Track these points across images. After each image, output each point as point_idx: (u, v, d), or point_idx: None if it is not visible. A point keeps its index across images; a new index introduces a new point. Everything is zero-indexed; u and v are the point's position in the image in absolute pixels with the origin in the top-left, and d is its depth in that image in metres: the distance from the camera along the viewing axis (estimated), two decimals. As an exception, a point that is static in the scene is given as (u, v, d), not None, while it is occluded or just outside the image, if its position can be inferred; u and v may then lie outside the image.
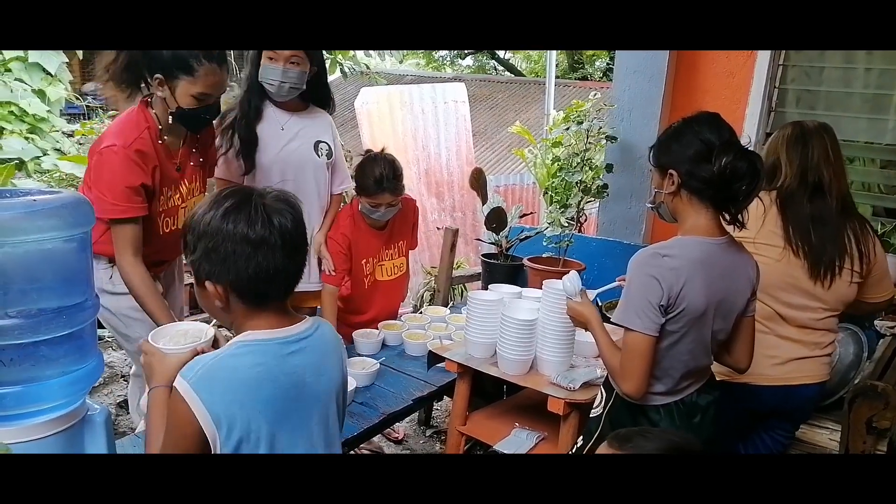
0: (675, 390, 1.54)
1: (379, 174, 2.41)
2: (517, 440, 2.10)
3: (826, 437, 2.09)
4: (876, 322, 2.55)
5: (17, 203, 1.17)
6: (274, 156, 2.38)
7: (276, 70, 2.25)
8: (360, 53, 7.35)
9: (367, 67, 7.68)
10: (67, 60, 4.77)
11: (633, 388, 1.47)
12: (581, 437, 1.72)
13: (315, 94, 2.45)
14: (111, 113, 5.40)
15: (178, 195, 2.01)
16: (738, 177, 1.40)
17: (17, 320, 1.16)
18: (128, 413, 2.38)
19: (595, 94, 3.49)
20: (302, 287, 2.34)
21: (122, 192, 1.80)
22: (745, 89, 3.12)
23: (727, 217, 1.47)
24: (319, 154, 2.48)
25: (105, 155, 1.80)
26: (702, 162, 1.42)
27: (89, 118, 6.46)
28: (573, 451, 1.71)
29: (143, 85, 1.86)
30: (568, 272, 1.77)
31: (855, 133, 2.98)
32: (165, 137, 1.93)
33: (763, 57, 3.05)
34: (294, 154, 2.42)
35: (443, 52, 18.20)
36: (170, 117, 1.86)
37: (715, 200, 1.45)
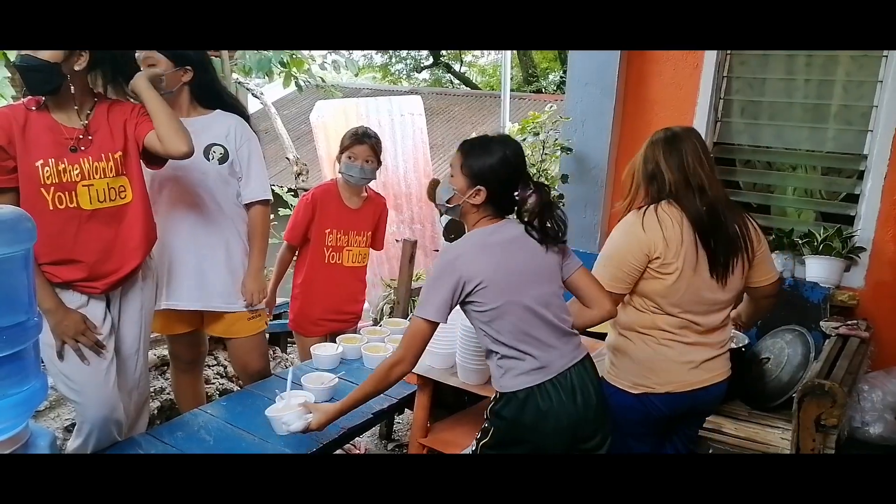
0: (537, 369, 1.61)
1: (358, 129, 2.73)
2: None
3: (778, 436, 2.15)
4: (822, 323, 2.65)
5: (-48, 219, 1.12)
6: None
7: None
8: (315, 67, 7.30)
9: (323, 80, 7.64)
10: (10, 75, 4.60)
11: (408, 364, 1.64)
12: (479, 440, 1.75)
13: (205, 97, 2.27)
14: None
15: (76, 170, 1.85)
16: None
17: (-47, 342, 1.11)
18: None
19: (551, 107, 3.55)
20: (215, 306, 2.34)
21: None
22: (692, 100, 3.21)
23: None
24: (210, 158, 2.25)
25: None
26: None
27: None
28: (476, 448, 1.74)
29: None
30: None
31: (797, 142, 3.10)
32: (51, 111, 1.84)
33: (708, 69, 3.16)
34: (179, 162, 2.06)
35: (399, 66, 18.26)
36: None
37: None
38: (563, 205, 3.42)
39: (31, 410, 1.30)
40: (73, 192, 1.86)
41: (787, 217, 3.25)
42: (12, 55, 4.44)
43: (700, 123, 3.18)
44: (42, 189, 1.83)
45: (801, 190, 3.21)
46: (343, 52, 7.30)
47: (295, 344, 3.69)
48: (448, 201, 1.71)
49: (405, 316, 3.19)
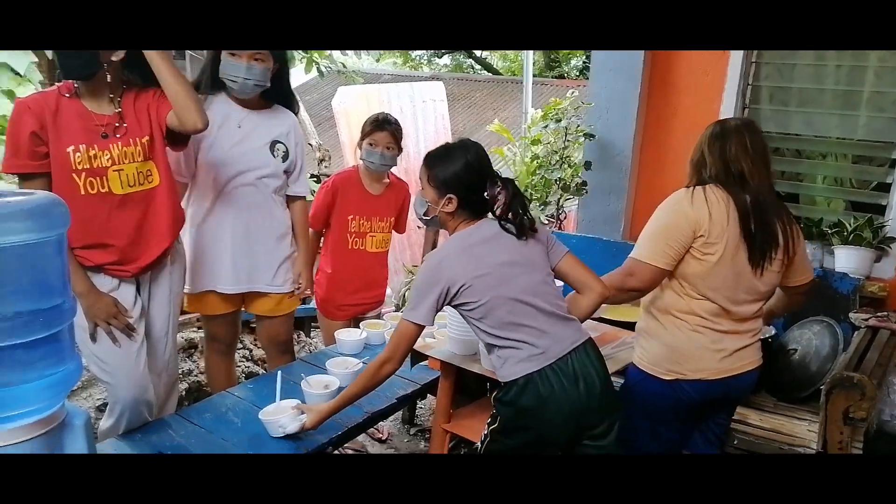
0: (535, 355, 1.63)
1: (378, 116, 2.70)
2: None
3: (804, 428, 2.13)
4: (851, 315, 2.61)
5: (-10, 204, 1.15)
6: (224, 153, 2.25)
7: (239, 66, 2.16)
8: (336, 52, 7.29)
9: (344, 66, 7.63)
10: (37, 60, 4.66)
11: (395, 364, 1.70)
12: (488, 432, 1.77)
13: (277, 92, 2.34)
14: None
15: (107, 156, 1.88)
16: None
17: (-7, 324, 1.14)
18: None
19: (573, 93, 3.51)
20: (260, 287, 2.42)
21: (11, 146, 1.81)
22: (720, 87, 3.16)
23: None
24: (275, 155, 2.35)
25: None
26: None
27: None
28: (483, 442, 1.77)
29: None
30: None
31: (827, 129, 3.04)
32: (82, 97, 1.88)
33: (736, 55, 3.10)
34: (246, 154, 2.28)
35: (419, 51, 18.18)
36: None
37: None
38: (586, 192, 3.40)
39: (67, 390, 1.33)
40: (105, 178, 1.90)
41: (817, 206, 3.19)
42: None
43: (727, 110, 3.14)
44: (73, 174, 1.86)
45: (831, 178, 3.16)
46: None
47: (318, 329, 3.74)
48: (425, 213, 1.78)
49: (427, 302, 3.20)
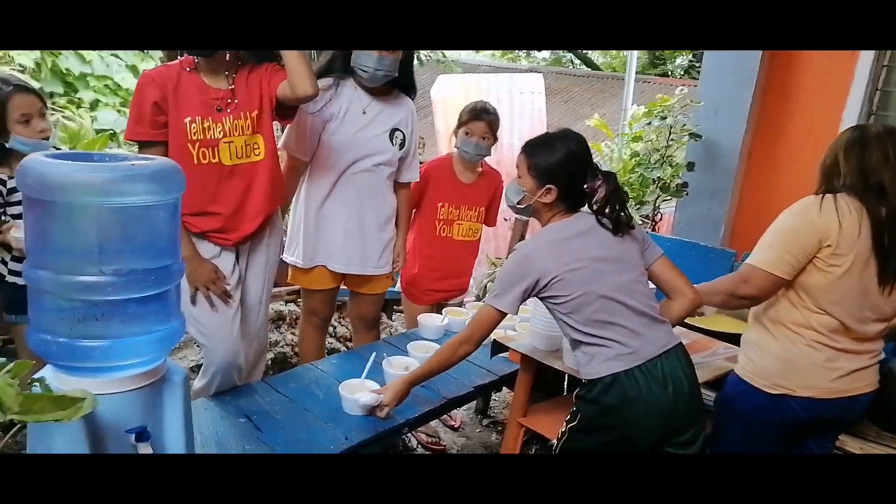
0: (624, 355, 1.58)
1: (477, 105, 2.72)
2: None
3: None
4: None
5: (117, 167, 1.22)
6: (348, 138, 2.34)
7: (371, 58, 2.23)
8: (437, 41, 7.35)
9: (444, 55, 7.68)
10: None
11: (472, 346, 1.72)
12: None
13: (399, 79, 2.40)
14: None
15: (219, 128, 1.98)
16: None
17: (111, 278, 1.21)
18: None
19: (682, 90, 3.38)
20: (368, 270, 2.47)
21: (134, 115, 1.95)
22: (844, 91, 2.95)
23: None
24: (393, 142, 2.42)
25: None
26: None
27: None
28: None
29: None
30: None
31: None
32: (201, 72, 1.98)
33: (866, 57, 2.88)
34: (369, 140, 2.37)
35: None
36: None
37: None
38: (686, 194, 3.26)
39: (171, 347, 1.41)
40: (216, 149, 2.00)
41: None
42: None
43: (850, 117, 2.92)
44: (189, 144, 1.97)
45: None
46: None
47: (401, 312, 3.79)
48: (519, 202, 1.73)
49: (511, 295, 3.18)
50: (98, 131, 4.21)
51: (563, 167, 1.66)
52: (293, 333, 3.39)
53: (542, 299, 1.68)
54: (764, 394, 1.74)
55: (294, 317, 3.51)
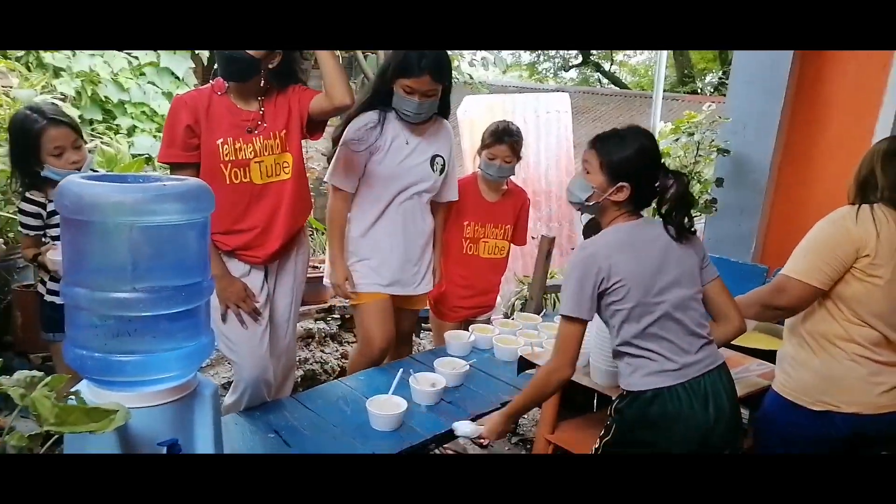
0: (668, 371, 1.54)
1: (499, 126, 2.71)
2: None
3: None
4: None
5: (149, 187, 1.27)
6: (393, 167, 2.38)
7: (412, 103, 2.28)
8: (463, 63, 7.42)
9: (471, 77, 7.74)
10: (193, 66, 5.13)
11: (566, 370, 1.60)
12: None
13: (439, 109, 2.44)
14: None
15: (250, 149, 2.04)
16: None
17: (143, 295, 1.26)
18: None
19: (710, 106, 3.36)
20: (409, 291, 2.52)
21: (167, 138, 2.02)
22: (876, 103, 2.90)
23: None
24: (434, 168, 2.46)
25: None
26: None
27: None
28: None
29: None
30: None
31: None
32: (231, 95, 2.04)
33: (898, 67, 2.83)
34: (412, 169, 2.41)
35: (546, 64, 18.08)
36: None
37: None
38: (716, 210, 3.23)
39: (201, 362, 1.45)
40: (247, 168, 2.06)
41: None
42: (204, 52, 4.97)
43: (883, 130, 2.86)
44: (221, 165, 2.03)
45: None
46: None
47: (428, 330, 3.80)
48: (587, 199, 1.65)
49: (538, 312, 3.17)
50: (134, 156, 4.33)
51: (636, 164, 1.57)
52: (322, 351, 3.43)
53: (598, 299, 1.60)
54: (806, 410, 1.70)
55: (323, 335, 3.55)
